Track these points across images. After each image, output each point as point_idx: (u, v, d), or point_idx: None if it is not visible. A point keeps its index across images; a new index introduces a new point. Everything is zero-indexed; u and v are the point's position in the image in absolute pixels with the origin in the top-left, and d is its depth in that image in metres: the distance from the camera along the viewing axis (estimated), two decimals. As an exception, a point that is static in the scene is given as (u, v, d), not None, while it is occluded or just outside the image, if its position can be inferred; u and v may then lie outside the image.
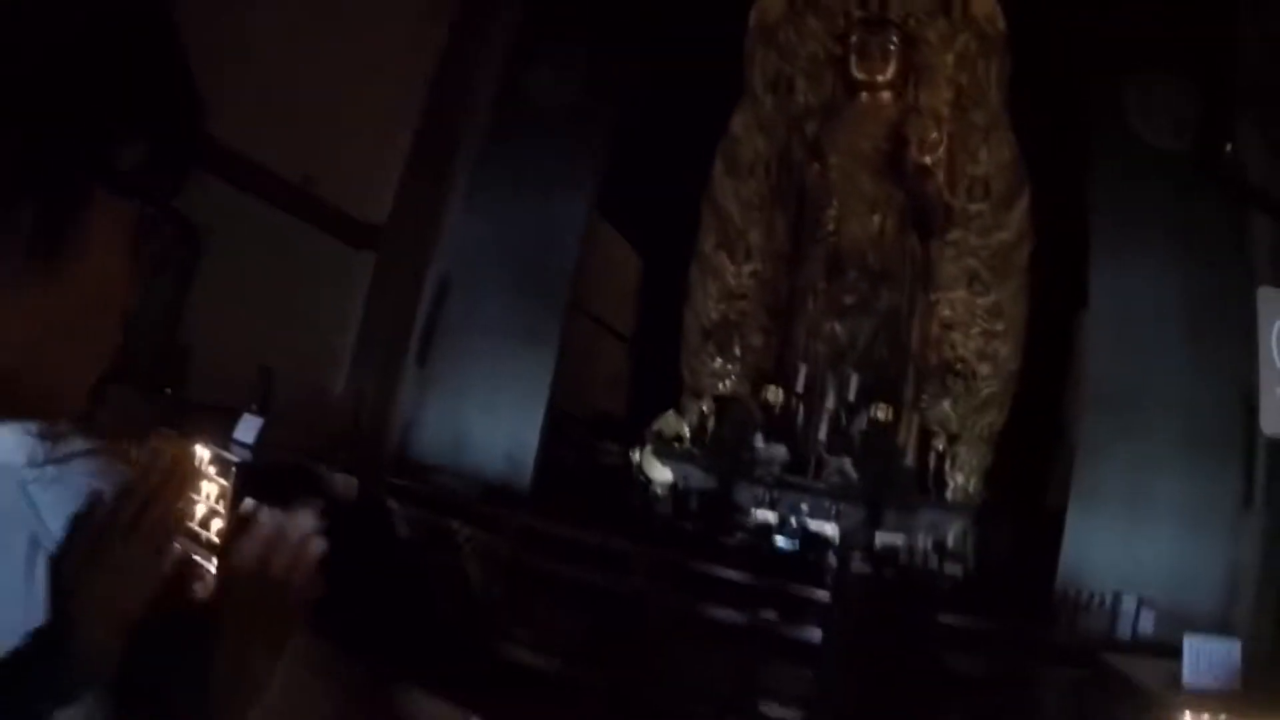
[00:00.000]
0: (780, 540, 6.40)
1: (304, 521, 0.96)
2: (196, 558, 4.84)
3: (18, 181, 0.49)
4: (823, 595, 5.34)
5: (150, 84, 0.57)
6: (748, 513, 6.73)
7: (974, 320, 7.24)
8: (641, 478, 7.33)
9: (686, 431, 7.58)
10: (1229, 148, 5.02)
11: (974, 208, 7.34)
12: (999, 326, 7.13)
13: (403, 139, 7.34)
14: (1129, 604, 4.72)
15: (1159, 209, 5.67)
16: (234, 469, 5.11)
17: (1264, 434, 4.44)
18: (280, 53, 5.79)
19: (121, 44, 0.55)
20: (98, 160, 0.54)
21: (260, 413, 5.81)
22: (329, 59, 6.10)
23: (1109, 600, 4.86)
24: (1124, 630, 4.83)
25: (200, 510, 5.16)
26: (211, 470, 5.26)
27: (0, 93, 0.48)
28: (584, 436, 7.91)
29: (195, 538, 5.08)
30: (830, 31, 7.94)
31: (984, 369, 7.10)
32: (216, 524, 5.07)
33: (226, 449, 5.36)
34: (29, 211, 0.50)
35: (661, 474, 7.28)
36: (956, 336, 7.28)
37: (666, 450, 7.31)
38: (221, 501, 5.11)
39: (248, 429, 5.58)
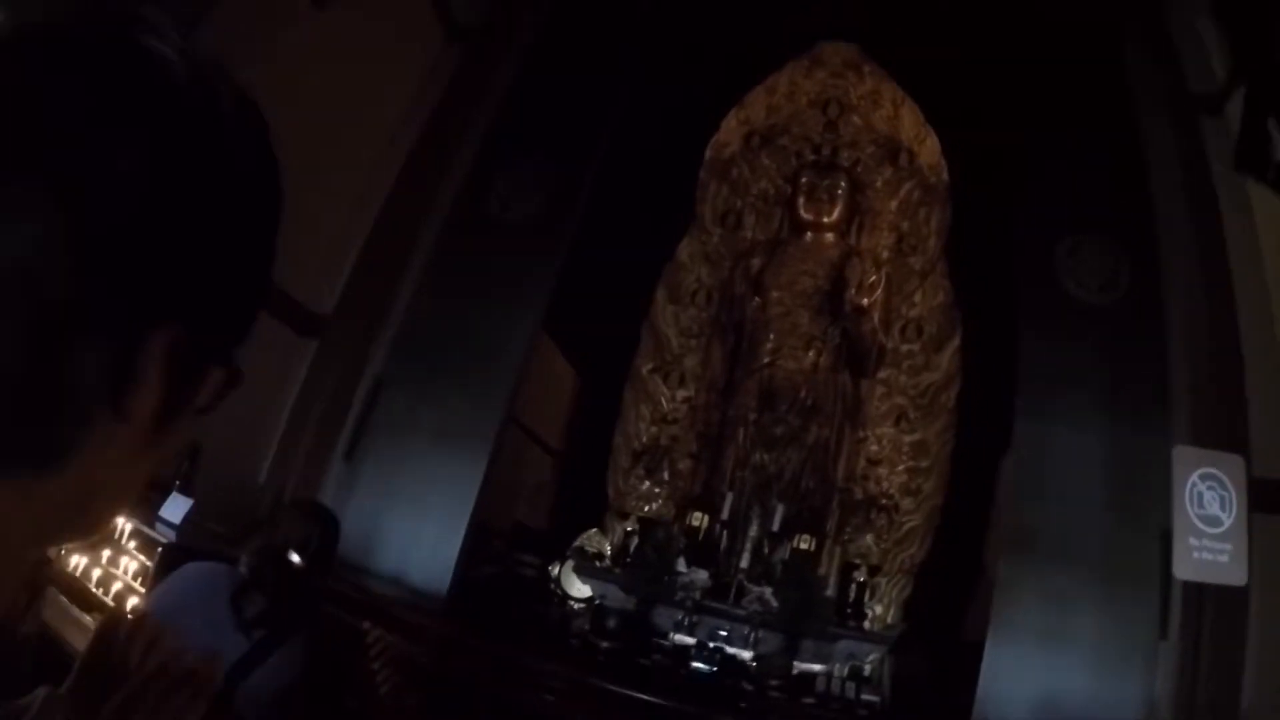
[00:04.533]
0: (697, 664, 6.35)
1: (215, 668, 0.96)
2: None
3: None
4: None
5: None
6: (666, 635, 6.68)
7: (900, 457, 7.53)
8: (560, 593, 7.25)
9: (608, 550, 7.56)
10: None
11: (906, 348, 7.73)
12: (924, 463, 7.41)
13: (361, 235, 7.44)
14: (1045, 735, 4.81)
15: (1083, 362, 6.03)
16: (159, 549, 4.93)
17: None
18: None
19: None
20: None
21: (183, 490, 5.65)
22: (302, 149, 6.22)
23: (1026, 731, 4.94)
24: (1039, 762, 4.89)
25: (116, 586, 4.95)
26: (132, 546, 5.08)
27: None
28: (504, 547, 7.82)
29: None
30: (782, 171, 8.40)
31: (907, 503, 7.34)
32: (133, 601, 4.85)
33: (150, 525, 5.19)
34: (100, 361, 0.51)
35: (580, 591, 7.21)
36: (882, 471, 7.54)
37: (588, 568, 7.26)
38: (139, 580, 4.91)
39: (175, 508, 5.40)
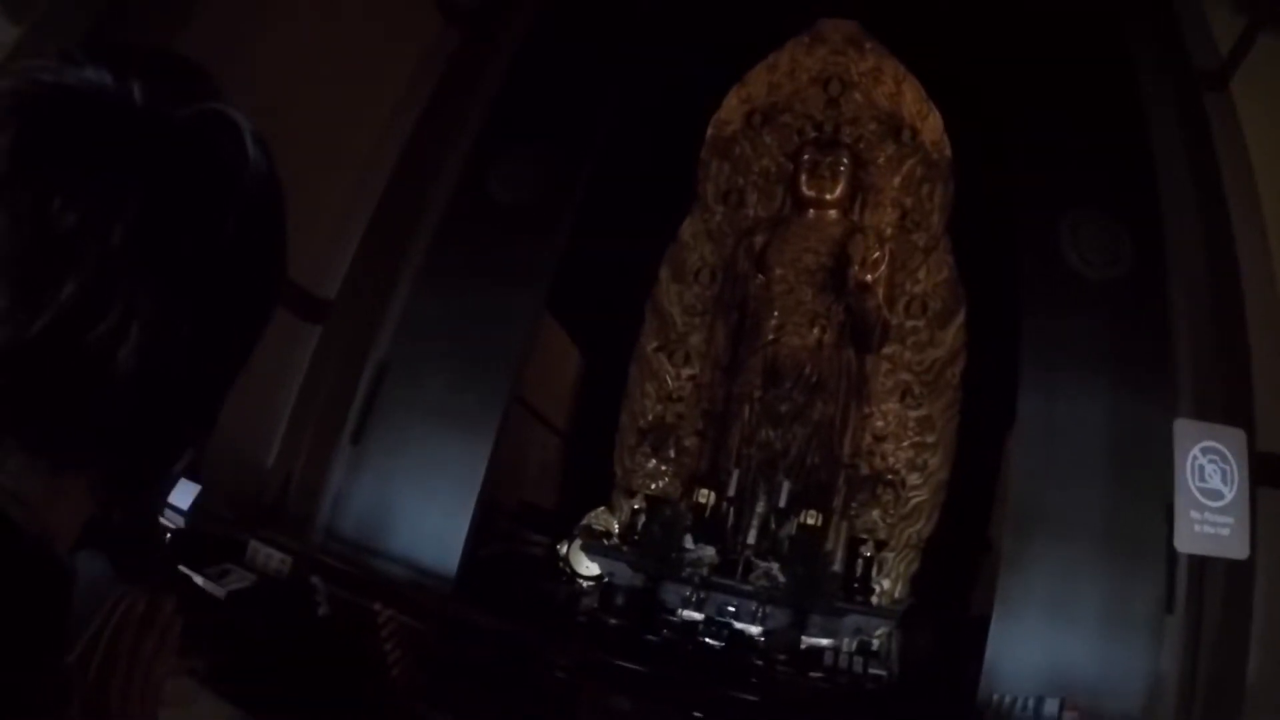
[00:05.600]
0: (706, 640, 6.40)
1: (168, 605, 0.96)
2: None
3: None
4: (747, 696, 5.34)
5: None
6: (674, 612, 6.72)
7: (905, 432, 7.55)
8: (568, 571, 7.30)
9: (616, 528, 7.60)
10: None
11: (910, 324, 7.74)
12: (930, 439, 7.43)
13: (363, 218, 7.44)
14: (1051, 707, 4.83)
15: (1088, 337, 6.03)
16: (167, 534, 4.99)
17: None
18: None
19: None
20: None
21: (191, 477, 5.68)
22: (303, 132, 6.21)
23: (1032, 704, 4.95)
24: (1046, 733, 4.91)
25: (126, 571, 4.99)
26: (142, 531, 5.13)
27: None
28: (512, 527, 7.86)
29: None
30: (784, 149, 8.39)
31: (913, 479, 7.37)
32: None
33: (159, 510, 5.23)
34: None
35: (588, 569, 7.26)
36: (888, 447, 7.57)
37: (595, 546, 7.30)
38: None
39: (183, 494, 5.43)
